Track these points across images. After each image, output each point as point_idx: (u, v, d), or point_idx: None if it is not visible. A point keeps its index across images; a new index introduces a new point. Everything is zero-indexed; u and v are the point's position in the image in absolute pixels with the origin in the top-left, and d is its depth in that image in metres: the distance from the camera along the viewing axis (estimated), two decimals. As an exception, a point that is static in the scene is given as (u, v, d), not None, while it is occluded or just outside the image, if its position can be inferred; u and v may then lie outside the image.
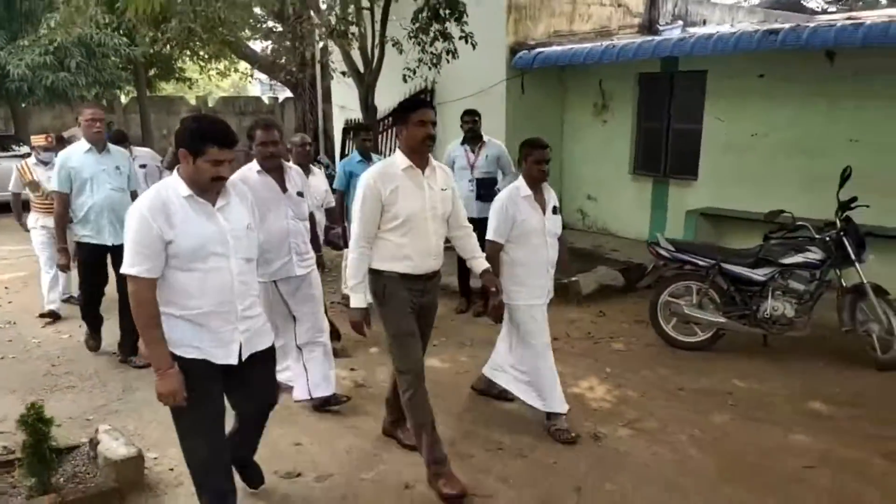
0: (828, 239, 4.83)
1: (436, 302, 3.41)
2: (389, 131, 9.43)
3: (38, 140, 6.18)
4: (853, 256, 4.73)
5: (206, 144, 2.38)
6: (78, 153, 4.66)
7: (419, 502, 3.14)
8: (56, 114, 16.57)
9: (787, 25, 6.03)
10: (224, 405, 2.64)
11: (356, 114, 9.26)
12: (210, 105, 20.25)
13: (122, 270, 2.40)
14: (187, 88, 18.82)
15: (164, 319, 2.43)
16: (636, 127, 8.03)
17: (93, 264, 4.72)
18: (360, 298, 3.15)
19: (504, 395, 4.10)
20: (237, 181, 2.80)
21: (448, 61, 7.02)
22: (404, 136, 3.14)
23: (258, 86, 28.83)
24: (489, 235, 3.73)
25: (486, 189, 5.71)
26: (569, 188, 8.75)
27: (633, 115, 8.01)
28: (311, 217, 4.10)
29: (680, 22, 9.63)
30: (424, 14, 6.84)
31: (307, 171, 4.89)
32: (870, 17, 6.23)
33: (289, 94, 17.73)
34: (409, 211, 3.09)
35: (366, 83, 8.26)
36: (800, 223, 5.03)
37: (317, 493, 3.21)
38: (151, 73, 17.66)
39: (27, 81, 11.21)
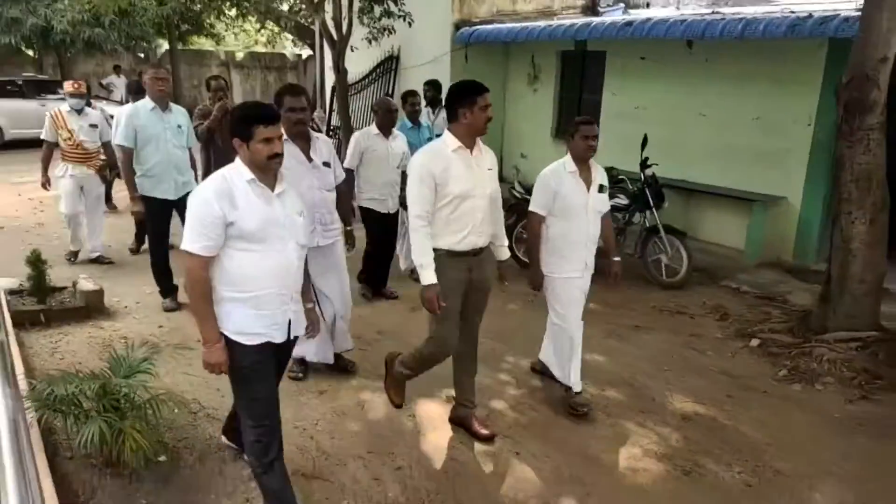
0: (635, 189, 6.33)
1: (486, 277, 3.42)
2: (358, 95, 11.01)
3: (67, 86, 6.21)
4: (651, 204, 6.23)
5: (252, 126, 2.46)
6: (144, 111, 4.93)
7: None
8: (98, 62, 18.64)
9: (706, 12, 7.15)
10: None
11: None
12: (238, 59, 22.06)
13: (182, 247, 2.49)
14: (215, 44, 20.59)
15: (227, 302, 2.53)
16: (558, 96, 9.46)
17: (158, 217, 5.03)
18: (429, 275, 3.15)
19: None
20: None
21: (387, 36, 8.57)
22: (468, 119, 3.15)
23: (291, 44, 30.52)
24: (532, 207, 3.83)
25: None
26: (507, 147, 10.24)
27: (556, 86, 9.43)
28: (342, 187, 4.14)
29: (622, 4, 10.76)
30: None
31: (388, 135, 5.36)
32: (727, 12, 7.48)
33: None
34: (460, 190, 3.16)
35: (337, 48, 9.86)
36: (621, 176, 6.54)
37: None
38: (183, 28, 19.45)
39: (69, 35, 13.13)
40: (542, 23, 8.61)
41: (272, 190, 2.57)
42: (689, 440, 3.66)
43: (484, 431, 3.58)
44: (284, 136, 3.70)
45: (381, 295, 5.74)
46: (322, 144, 3.92)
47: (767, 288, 6.11)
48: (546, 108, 9.59)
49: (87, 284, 5.00)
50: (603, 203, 3.90)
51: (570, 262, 3.81)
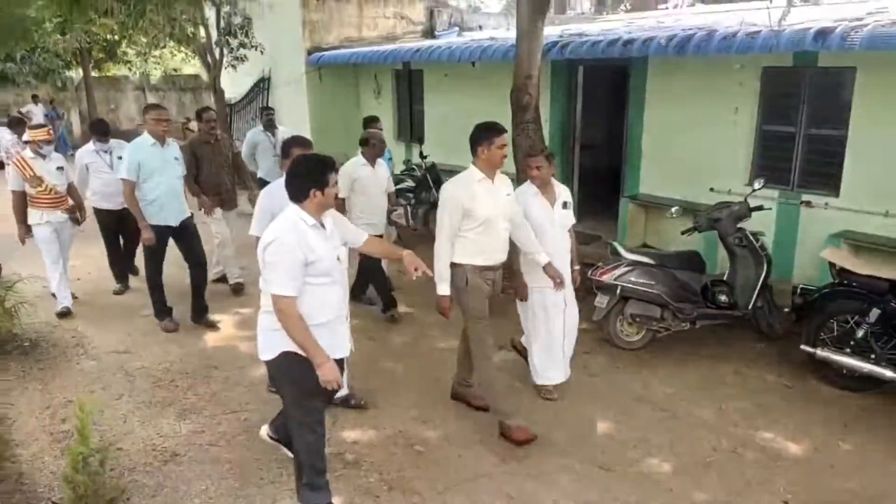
0: (418, 175, 8.47)
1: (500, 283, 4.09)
2: (242, 112, 12.98)
3: (37, 134, 5.84)
4: (431, 185, 8.36)
5: (326, 175, 2.90)
6: (145, 146, 5.28)
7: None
8: (17, 92, 20.03)
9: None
10: None
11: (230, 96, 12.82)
12: (153, 83, 23.60)
13: (272, 291, 2.79)
14: (127, 70, 22.19)
15: (312, 330, 2.85)
16: (396, 107, 11.60)
17: (159, 242, 5.41)
18: (445, 287, 3.76)
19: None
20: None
21: (241, 62, 10.63)
22: (486, 155, 3.70)
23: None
24: None
25: None
26: (365, 150, 12.33)
27: (394, 98, 11.57)
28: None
29: (456, 28, 13.01)
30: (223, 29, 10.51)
31: (374, 164, 5.73)
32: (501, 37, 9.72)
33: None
34: (486, 215, 3.69)
35: (212, 73, 11.81)
36: (415, 165, 8.67)
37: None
38: (100, 56, 21.02)
39: (-18, 69, 14.67)
40: (371, 48, 10.76)
41: (325, 229, 2.97)
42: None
43: (481, 402, 4.17)
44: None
45: (360, 301, 5.98)
46: None
47: (514, 241, 8.30)
48: (388, 116, 11.68)
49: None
50: (568, 218, 4.31)
51: (539, 275, 4.12)
